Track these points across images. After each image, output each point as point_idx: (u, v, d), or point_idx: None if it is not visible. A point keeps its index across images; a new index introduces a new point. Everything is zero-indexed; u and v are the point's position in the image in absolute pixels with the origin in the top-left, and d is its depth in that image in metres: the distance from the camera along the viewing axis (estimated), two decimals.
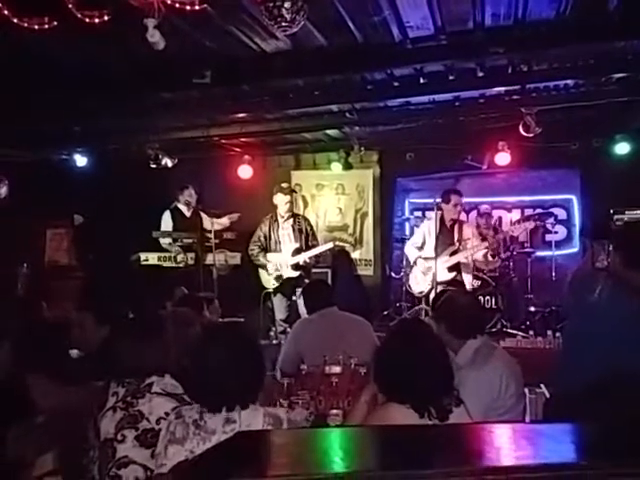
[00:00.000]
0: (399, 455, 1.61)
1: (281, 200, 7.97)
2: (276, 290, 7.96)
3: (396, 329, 3.49)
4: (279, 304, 7.98)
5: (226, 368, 2.63)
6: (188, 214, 8.40)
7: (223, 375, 2.61)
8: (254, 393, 2.70)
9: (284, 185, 8.20)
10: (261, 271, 8.04)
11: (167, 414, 2.75)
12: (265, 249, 8.00)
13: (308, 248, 7.94)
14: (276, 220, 8.05)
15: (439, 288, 7.29)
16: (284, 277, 7.90)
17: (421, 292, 8.00)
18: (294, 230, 8.00)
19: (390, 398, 2.85)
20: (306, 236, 8.01)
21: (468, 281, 7.75)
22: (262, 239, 8.01)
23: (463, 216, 8.52)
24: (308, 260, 7.89)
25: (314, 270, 8.19)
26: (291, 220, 8.05)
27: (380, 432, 1.84)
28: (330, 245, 8.10)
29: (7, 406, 3.10)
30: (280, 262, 7.89)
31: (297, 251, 7.89)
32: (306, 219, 8.36)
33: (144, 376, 2.93)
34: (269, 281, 7.96)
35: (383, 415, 2.82)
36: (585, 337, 3.73)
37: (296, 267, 7.87)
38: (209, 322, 4.71)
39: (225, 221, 8.26)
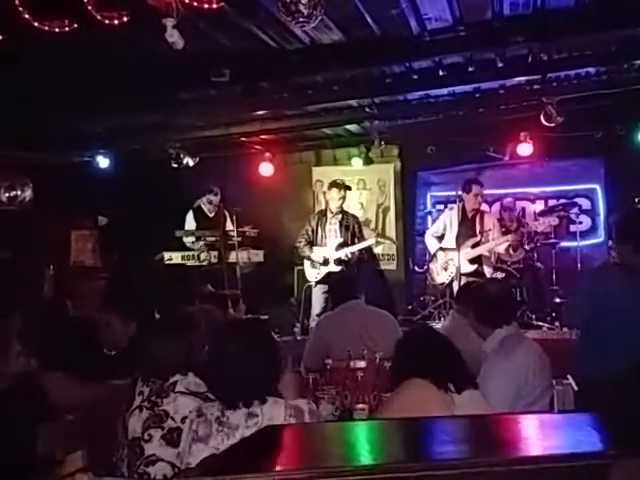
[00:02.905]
0: (425, 446, 1.61)
1: (334, 196, 8.07)
2: (317, 283, 8.03)
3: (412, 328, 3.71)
4: (318, 298, 8.03)
5: (239, 363, 2.64)
6: (211, 215, 8.44)
7: (236, 370, 2.63)
8: (270, 387, 2.70)
9: (339, 181, 8.26)
10: (306, 264, 8.16)
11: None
12: (311, 243, 8.09)
13: (353, 244, 7.99)
14: (325, 215, 8.16)
15: (461, 279, 7.29)
16: (327, 271, 7.95)
17: (442, 283, 7.99)
18: (341, 226, 8.09)
19: (410, 375, 3.08)
20: (352, 233, 8.07)
21: (489, 273, 7.72)
22: (309, 233, 8.14)
23: (484, 206, 8.47)
24: (350, 255, 7.94)
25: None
26: (339, 216, 8.14)
27: (406, 424, 1.84)
28: (372, 241, 8.16)
29: (34, 403, 3.14)
30: (324, 256, 7.96)
31: (341, 246, 7.96)
32: (355, 217, 8.39)
33: (168, 375, 2.94)
34: (312, 274, 8.03)
35: (405, 390, 3.06)
36: (605, 328, 3.76)
37: (339, 262, 7.93)
38: (226, 318, 4.74)
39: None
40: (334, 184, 8.20)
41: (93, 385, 3.52)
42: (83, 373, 3.51)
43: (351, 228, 8.09)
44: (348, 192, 10.08)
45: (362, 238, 8.12)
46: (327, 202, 8.17)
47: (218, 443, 2.53)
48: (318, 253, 8.02)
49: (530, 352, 3.78)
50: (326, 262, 7.97)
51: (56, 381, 3.33)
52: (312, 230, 8.13)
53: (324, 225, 8.10)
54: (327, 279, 7.91)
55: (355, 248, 7.97)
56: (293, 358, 4.54)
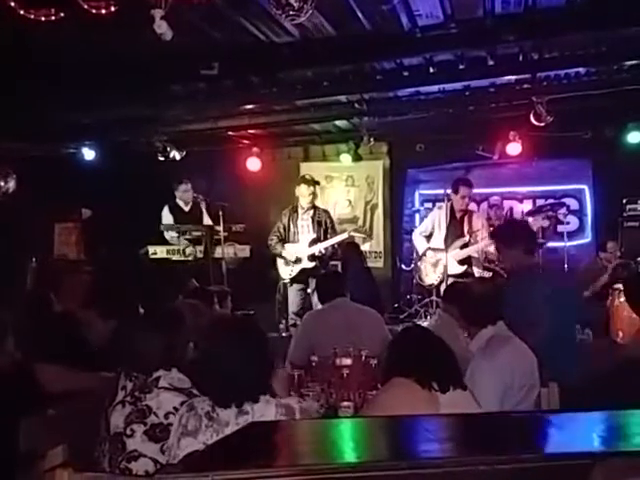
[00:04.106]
0: (409, 444, 1.59)
1: (304, 191, 7.98)
2: (292, 281, 7.98)
3: (404, 328, 3.72)
4: (294, 296, 7.99)
5: (233, 362, 2.62)
6: (187, 208, 8.40)
7: (230, 369, 2.60)
8: (263, 386, 2.68)
9: (307, 176, 8.21)
10: (278, 261, 8.06)
11: (175, 409, 2.74)
12: (283, 240, 8.01)
13: (325, 240, 7.94)
14: (296, 211, 8.07)
15: (450, 280, 7.27)
16: (300, 268, 7.90)
17: (431, 284, 7.96)
18: (313, 222, 8.00)
19: (395, 374, 3.07)
20: (325, 229, 7.99)
21: (479, 274, 7.69)
22: (281, 230, 8.04)
23: (473, 206, 8.46)
24: (324, 251, 7.88)
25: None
26: (311, 212, 8.05)
27: (391, 422, 1.82)
28: (345, 235, 8.07)
29: (18, 397, 3.11)
30: (297, 252, 7.90)
31: (314, 242, 7.89)
32: (326, 212, 8.32)
33: (152, 370, 2.91)
34: (286, 272, 7.98)
35: (389, 389, 3.07)
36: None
37: (312, 258, 7.87)
38: (215, 315, 4.71)
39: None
40: (303, 180, 8.10)
41: (83, 375, 3.50)
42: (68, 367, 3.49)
43: (323, 224, 8.01)
44: (337, 188, 10.14)
45: (335, 233, 8.06)
46: (297, 198, 8.08)
47: (207, 438, 2.50)
48: (291, 250, 7.94)
49: (517, 352, 3.77)
50: (299, 259, 7.90)
51: (46, 372, 3.30)
52: (284, 227, 8.03)
53: (296, 221, 8.01)
54: (301, 276, 7.88)
55: (328, 243, 7.89)
56: (278, 355, 4.51)
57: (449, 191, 7.74)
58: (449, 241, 7.55)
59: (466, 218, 7.73)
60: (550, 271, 4.53)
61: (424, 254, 8.02)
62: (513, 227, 5.24)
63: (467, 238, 7.63)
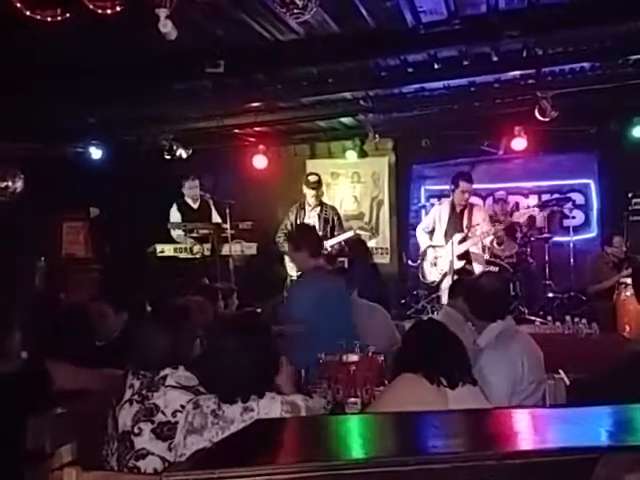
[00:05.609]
0: (418, 440, 1.60)
1: (310, 189, 8.02)
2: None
3: (415, 322, 3.72)
4: None
5: (238, 358, 2.63)
6: (195, 206, 8.40)
7: (235, 365, 2.62)
8: (268, 382, 2.69)
9: (313, 175, 8.25)
10: (286, 259, 8.06)
11: (183, 407, 2.75)
12: None
13: (333, 237, 7.95)
14: (303, 208, 8.11)
15: (450, 276, 7.23)
16: None
17: (433, 282, 7.92)
18: (320, 219, 8.03)
19: (404, 370, 3.06)
20: (332, 226, 8.02)
21: (478, 270, 7.57)
22: (289, 227, 8.06)
23: (478, 201, 8.43)
24: (330, 248, 7.88)
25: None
26: (318, 209, 8.09)
27: (398, 418, 1.83)
28: (351, 233, 8.07)
29: (26, 395, 3.12)
30: None
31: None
32: (333, 209, 8.34)
33: (158, 368, 2.93)
34: (293, 268, 7.99)
35: (397, 384, 3.07)
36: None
37: None
38: (222, 312, 4.73)
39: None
40: (309, 178, 8.16)
41: (92, 372, 3.52)
42: (78, 363, 3.50)
43: (330, 220, 8.04)
44: (343, 185, 10.13)
45: (342, 229, 8.08)
46: (304, 195, 8.12)
47: (212, 436, 2.52)
48: None
49: (525, 347, 3.77)
50: None
51: (57, 370, 3.32)
52: (291, 224, 8.05)
53: (303, 218, 8.05)
54: None
55: (335, 241, 7.92)
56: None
57: (452, 186, 7.72)
58: (449, 236, 7.51)
59: (466, 212, 7.67)
60: (333, 274, 5.12)
61: (425, 252, 7.98)
62: (301, 232, 5.72)
63: (465, 233, 7.57)
